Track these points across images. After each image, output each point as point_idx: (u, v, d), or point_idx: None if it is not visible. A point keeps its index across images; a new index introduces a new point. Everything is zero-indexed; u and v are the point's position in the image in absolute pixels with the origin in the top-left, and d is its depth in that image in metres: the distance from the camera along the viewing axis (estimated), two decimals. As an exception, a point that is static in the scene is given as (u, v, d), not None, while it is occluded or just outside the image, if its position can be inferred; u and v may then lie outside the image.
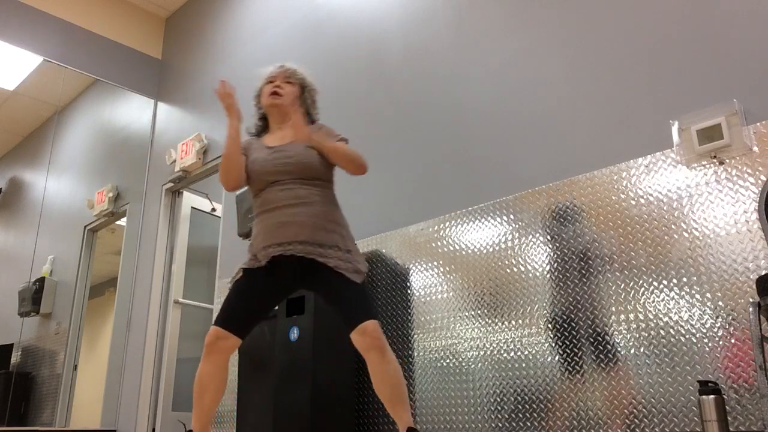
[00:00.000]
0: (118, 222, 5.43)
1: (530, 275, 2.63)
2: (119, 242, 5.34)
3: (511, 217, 2.77)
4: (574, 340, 2.43)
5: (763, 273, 1.98)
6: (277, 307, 3.13)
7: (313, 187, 2.18)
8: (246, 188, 3.76)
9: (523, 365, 2.55)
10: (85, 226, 5.36)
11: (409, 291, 3.06)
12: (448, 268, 2.94)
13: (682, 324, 2.19)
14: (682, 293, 2.21)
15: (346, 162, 2.17)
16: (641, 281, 2.32)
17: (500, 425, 2.56)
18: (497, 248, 2.77)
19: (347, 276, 2.06)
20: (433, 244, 3.03)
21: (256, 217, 2.20)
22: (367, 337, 1.98)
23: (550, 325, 2.52)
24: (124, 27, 5.74)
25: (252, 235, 2.20)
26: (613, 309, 2.36)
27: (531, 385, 2.51)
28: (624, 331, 2.31)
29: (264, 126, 2.42)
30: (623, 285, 2.36)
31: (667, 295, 2.25)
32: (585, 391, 2.36)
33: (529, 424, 2.48)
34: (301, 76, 2.39)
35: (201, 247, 5.21)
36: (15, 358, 4.89)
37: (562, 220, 2.60)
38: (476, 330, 2.74)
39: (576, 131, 2.68)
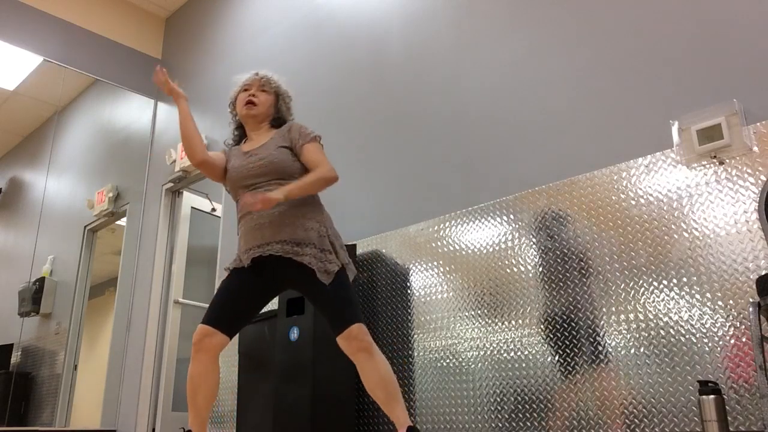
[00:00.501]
0: (118, 222, 5.43)
1: (530, 275, 2.63)
2: (119, 242, 5.34)
3: (511, 217, 2.77)
4: (574, 340, 2.43)
5: (763, 273, 1.98)
6: (277, 307, 3.13)
7: None
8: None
9: (523, 365, 2.55)
10: (85, 226, 5.36)
11: (409, 291, 3.06)
12: (448, 268, 2.94)
13: (682, 324, 2.19)
14: (682, 293, 2.21)
15: (318, 187, 2.14)
16: (641, 281, 2.32)
17: (500, 425, 2.56)
18: (497, 248, 2.77)
19: (317, 276, 2.05)
20: (433, 244, 3.03)
21: (239, 222, 2.23)
22: (353, 341, 1.99)
23: (550, 325, 2.52)
24: (124, 27, 5.74)
25: (237, 240, 2.23)
26: (613, 309, 2.36)
27: (531, 385, 2.51)
28: (624, 331, 2.31)
29: (241, 134, 2.43)
30: (623, 285, 2.36)
31: (667, 295, 2.25)
32: (585, 391, 2.36)
33: (529, 424, 2.48)
34: (276, 84, 2.40)
35: (201, 247, 5.21)
36: (15, 358, 4.89)
37: (562, 220, 2.60)
38: (476, 330, 2.74)
39: (576, 131, 2.68)
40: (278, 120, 2.39)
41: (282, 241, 2.08)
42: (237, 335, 3.46)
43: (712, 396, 1.89)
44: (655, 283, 2.28)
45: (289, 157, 2.22)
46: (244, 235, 2.17)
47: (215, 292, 2.14)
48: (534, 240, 2.66)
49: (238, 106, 2.37)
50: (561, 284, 2.53)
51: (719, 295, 2.13)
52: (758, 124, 2.18)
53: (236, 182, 2.23)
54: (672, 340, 2.20)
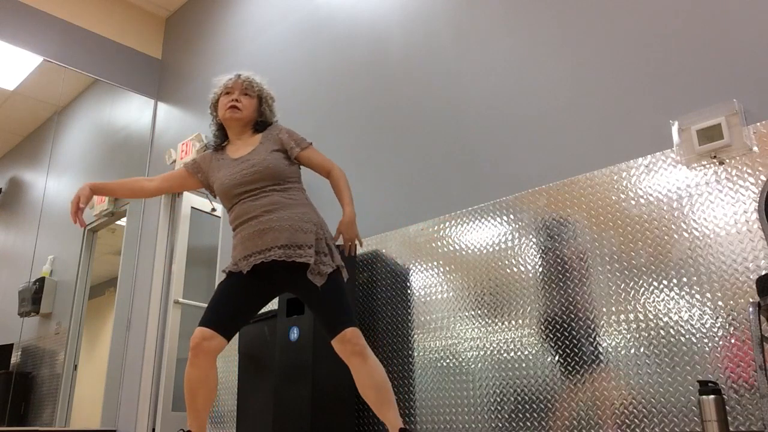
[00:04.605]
0: (118, 222, 5.43)
1: (530, 275, 2.63)
2: (119, 242, 5.34)
3: (511, 217, 2.77)
4: (574, 340, 2.43)
5: (763, 273, 1.98)
6: (277, 307, 3.13)
7: (284, 191, 2.18)
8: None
9: (523, 365, 2.55)
10: (85, 226, 5.35)
11: (409, 291, 3.06)
12: (448, 268, 2.94)
13: (682, 324, 2.19)
14: (682, 293, 2.21)
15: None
16: (641, 281, 2.32)
17: (500, 425, 2.56)
18: (497, 248, 2.77)
19: (309, 277, 2.05)
20: (433, 244, 3.03)
21: (234, 230, 2.20)
22: (347, 344, 1.99)
23: (550, 325, 2.52)
24: (124, 27, 5.74)
25: (232, 247, 2.21)
26: (613, 309, 2.36)
27: (531, 385, 2.51)
28: (624, 331, 2.31)
29: (223, 135, 2.41)
30: (623, 285, 2.36)
31: (667, 295, 2.25)
32: (585, 391, 2.36)
33: (529, 424, 2.48)
34: (259, 86, 2.37)
35: (201, 247, 5.21)
36: (15, 358, 4.89)
37: (562, 220, 2.60)
38: (476, 330, 2.74)
39: (576, 131, 2.68)
40: (262, 124, 2.37)
41: (283, 246, 2.08)
42: (236, 335, 3.47)
43: (712, 396, 1.89)
44: (655, 283, 2.28)
45: (283, 161, 2.22)
46: (242, 241, 2.14)
47: (213, 295, 2.13)
48: (534, 240, 2.66)
49: (220, 110, 2.35)
50: (561, 284, 2.53)
51: (719, 295, 2.13)
52: (758, 124, 2.18)
53: (230, 190, 2.20)
54: (672, 340, 2.20)
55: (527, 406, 2.50)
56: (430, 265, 3.01)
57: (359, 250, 3.34)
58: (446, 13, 3.37)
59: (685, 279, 2.22)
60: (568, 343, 2.45)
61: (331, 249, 2.14)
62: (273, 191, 2.16)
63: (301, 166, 2.32)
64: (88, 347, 5.10)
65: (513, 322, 2.63)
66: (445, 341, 2.84)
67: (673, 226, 2.30)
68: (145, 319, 4.81)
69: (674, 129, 2.38)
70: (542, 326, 2.54)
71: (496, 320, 2.69)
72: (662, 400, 2.17)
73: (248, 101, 2.33)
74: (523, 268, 2.66)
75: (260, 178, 2.17)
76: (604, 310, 2.38)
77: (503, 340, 2.64)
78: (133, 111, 5.71)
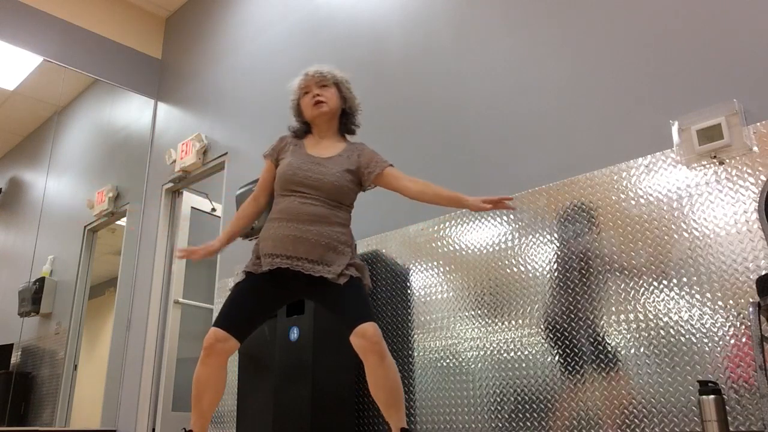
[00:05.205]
0: (118, 222, 5.43)
1: (530, 275, 2.63)
2: (119, 242, 5.34)
3: (511, 217, 2.77)
4: (574, 340, 2.43)
5: (763, 273, 1.98)
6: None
7: (334, 208, 2.17)
8: (245, 189, 3.75)
9: (523, 365, 2.55)
10: (85, 226, 5.36)
11: (409, 291, 3.06)
12: (448, 268, 2.94)
13: (682, 324, 2.19)
14: (682, 293, 2.21)
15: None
16: (641, 281, 2.32)
17: (500, 425, 2.56)
18: (497, 248, 2.77)
19: (331, 279, 2.06)
20: (433, 244, 3.03)
21: (271, 220, 2.18)
22: (366, 340, 1.97)
23: (550, 325, 2.52)
24: (124, 27, 5.74)
25: (260, 235, 2.18)
26: (613, 309, 2.36)
27: (531, 385, 2.51)
28: (624, 331, 2.31)
29: (306, 128, 2.38)
30: (623, 285, 2.36)
31: (667, 295, 2.25)
32: (585, 391, 2.36)
33: (529, 424, 2.48)
34: (331, 74, 2.34)
35: (201, 247, 5.20)
36: (15, 358, 4.89)
37: (562, 220, 2.60)
38: (476, 330, 2.74)
39: (576, 131, 2.68)
40: (346, 122, 2.37)
41: (313, 261, 2.08)
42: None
43: (712, 396, 1.89)
44: (655, 283, 2.28)
45: (348, 184, 2.21)
46: (273, 237, 2.12)
47: (229, 295, 2.12)
48: (534, 240, 2.66)
49: (306, 111, 2.32)
50: (561, 284, 2.53)
51: (719, 295, 2.13)
52: (758, 124, 2.18)
53: (290, 181, 2.17)
54: (672, 340, 2.20)
55: (527, 406, 2.50)
56: (430, 265, 3.01)
57: (359, 250, 3.34)
58: (446, 13, 3.37)
59: (685, 279, 2.22)
60: (568, 343, 2.45)
61: (360, 270, 2.16)
62: (324, 205, 2.15)
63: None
64: (88, 347, 5.10)
65: (513, 322, 2.63)
66: (445, 341, 2.84)
67: (673, 226, 2.30)
68: (145, 319, 4.81)
69: (674, 129, 2.38)
70: (542, 326, 2.54)
71: (496, 320, 2.69)
72: (662, 400, 2.17)
73: (329, 92, 2.31)
74: (523, 268, 2.66)
75: (320, 187, 2.15)
76: (604, 310, 2.38)
77: (503, 340, 2.64)
78: (133, 111, 5.71)
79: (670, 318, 2.22)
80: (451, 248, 2.95)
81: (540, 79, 2.86)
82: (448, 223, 3.00)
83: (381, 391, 1.99)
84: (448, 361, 2.81)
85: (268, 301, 2.12)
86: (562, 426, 2.38)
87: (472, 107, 3.09)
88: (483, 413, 2.62)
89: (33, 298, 5.04)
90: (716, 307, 2.13)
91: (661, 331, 2.23)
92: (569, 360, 2.43)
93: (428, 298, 2.97)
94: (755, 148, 2.17)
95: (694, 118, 2.32)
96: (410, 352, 2.96)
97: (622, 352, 2.30)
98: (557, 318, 2.50)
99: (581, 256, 2.50)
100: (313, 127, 2.36)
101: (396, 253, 3.18)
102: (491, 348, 2.67)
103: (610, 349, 2.33)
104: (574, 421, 2.35)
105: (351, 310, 2.02)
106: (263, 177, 2.33)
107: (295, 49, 4.31)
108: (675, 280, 2.24)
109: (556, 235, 2.60)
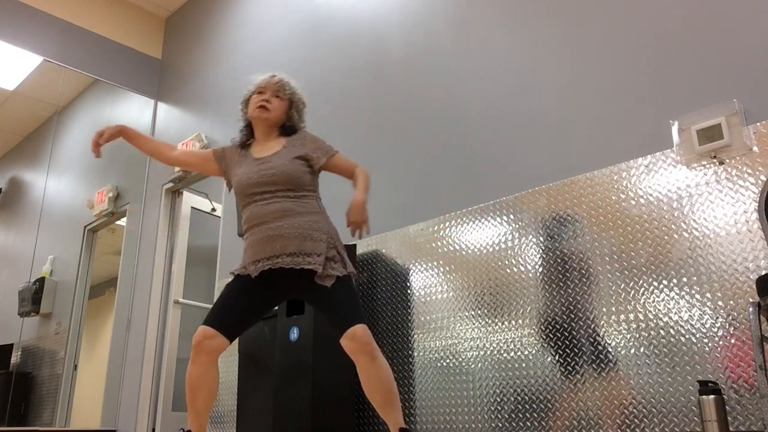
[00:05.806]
0: (118, 222, 5.43)
1: (530, 275, 2.63)
2: (119, 242, 5.34)
3: (511, 217, 2.77)
4: (574, 340, 2.43)
5: (763, 273, 1.98)
6: (277, 307, 3.13)
7: (297, 199, 2.17)
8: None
9: (523, 365, 2.55)
10: (85, 226, 5.36)
11: (409, 291, 3.06)
12: (448, 268, 2.94)
13: (682, 324, 2.19)
14: (682, 293, 2.21)
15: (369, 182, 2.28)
16: (641, 281, 2.32)
17: (500, 425, 2.56)
18: (497, 248, 2.77)
19: (317, 280, 2.05)
20: (433, 244, 3.03)
21: (246, 232, 2.21)
22: (356, 342, 1.97)
23: (550, 325, 2.52)
24: (124, 27, 5.74)
25: (243, 249, 2.21)
26: (613, 309, 2.36)
27: (531, 385, 2.51)
28: (624, 331, 2.31)
29: (249, 133, 2.40)
30: (623, 285, 2.36)
31: (667, 295, 2.25)
32: (585, 391, 2.36)
33: (529, 424, 2.48)
34: (291, 90, 2.35)
35: (201, 247, 5.21)
36: (15, 358, 4.89)
37: (562, 220, 2.60)
38: (476, 330, 2.74)
39: (576, 131, 2.68)
40: (289, 128, 2.37)
41: (292, 253, 2.08)
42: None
43: (712, 396, 1.89)
44: (655, 283, 2.28)
45: (301, 169, 2.21)
46: (252, 245, 2.14)
47: (219, 295, 2.13)
48: (534, 240, 2.66)
49: (249, 108, 2.34)
50: (561, 284, 2.53)
51: (719, 295, 2.13)
52: (758, 124, 2.18)
53: (245, 188, 2.20)
54: (672, 340, 2.20)
55: (527, 406, 2.50)
56: (430, 265, 3.01)
57: (359, 250, 3.34)
58: (446, 13, 3.37)
59: (685, 279, 2.22)
60: (568, 343, 2.45)
61: (342, 257, 2.14)
62: (286, 198, 2.16)
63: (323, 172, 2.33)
64: (88, 347, 5.10)
65: (513, 322, 2.63)
66: (445, 341, 2.84)
67: (673, 226, 2.30)
68: (145, 319, 4.81)
69: (674, 129, 2.38)
70: (542, 326, 2.54)
71: (496, 320, 2.69)
72: (662, 400, 2.17)
73: (278, 103, 2.32)
74: (523, 268, 2.66)
75: (276, 182, 2.16)
76: (604, 310, 2.38)
77: (503, 340, 2.64)
78: (133, 111, 5.71)
79: (670, 318, 2.22)
80: (451, 248, 2.95)
81: (540, 79, 2.86)
82: (448, 223, 3.00)
83: (375, 392, 1.99)
84: (448, 361, 2.81)
85: (257, 302, 2.13)
86: (562, 426, 2.38)
87: (472, 107, 3.09)
88: (483, 413, 2.62)
89: (33, 298, 5.04)
90: (716, 307, 2.13)
91: (661, 331, 2.23)
92: (569, 360, 2.43)
93: (428, 298, 2.97)
94: (755, 148, 2.17)
95: (694, 118, 2.32)
96: (410, 352, 2.96)
97: (622, 352, 2.30)
98: (557, 318, 2.50)
99: (581, 256, 2.50)
100: (255, 128, 2.37)
101: (396, 253, 3.18)
102: (491, 348, 2.67)
103: (609, 349, 2.33)
104: (574, 421, 2.35)
105: (340, 313, 2.02)
106: (195, 151, 2.41)
107: (295, 49, 4.31)
108: (675, 280, 2.24)
109: (556, 235, 2.60)
